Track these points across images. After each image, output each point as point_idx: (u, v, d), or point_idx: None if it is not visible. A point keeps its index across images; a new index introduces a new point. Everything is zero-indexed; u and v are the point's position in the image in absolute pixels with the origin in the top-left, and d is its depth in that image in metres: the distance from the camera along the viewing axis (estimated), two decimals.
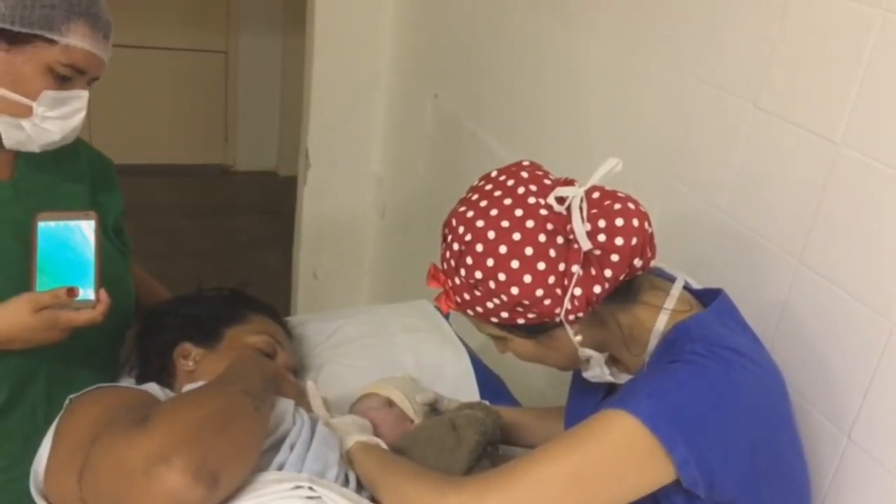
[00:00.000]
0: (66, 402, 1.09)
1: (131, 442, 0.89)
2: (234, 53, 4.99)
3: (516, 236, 0.91)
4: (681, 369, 0.89)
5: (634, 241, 0.92)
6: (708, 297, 1.03)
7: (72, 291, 1.13)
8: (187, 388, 1.14)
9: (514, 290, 0.91)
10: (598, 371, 1.02)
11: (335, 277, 3.01)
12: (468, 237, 0.94)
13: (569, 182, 0.97)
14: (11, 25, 1.09)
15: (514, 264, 0.91)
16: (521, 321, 0.95)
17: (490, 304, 0.95)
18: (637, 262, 0.94)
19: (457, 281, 0.97)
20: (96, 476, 0.91)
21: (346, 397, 1.36)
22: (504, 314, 0.95)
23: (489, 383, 1.55)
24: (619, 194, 0.96)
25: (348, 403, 1.33)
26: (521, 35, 1.86)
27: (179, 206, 4.63)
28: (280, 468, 1.01)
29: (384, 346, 1.54)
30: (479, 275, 0.93)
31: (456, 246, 0.96)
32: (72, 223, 1.17)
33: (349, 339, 1.55)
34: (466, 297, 0.97)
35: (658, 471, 0.87)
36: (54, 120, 1.16)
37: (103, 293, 1.16)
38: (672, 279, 1.03)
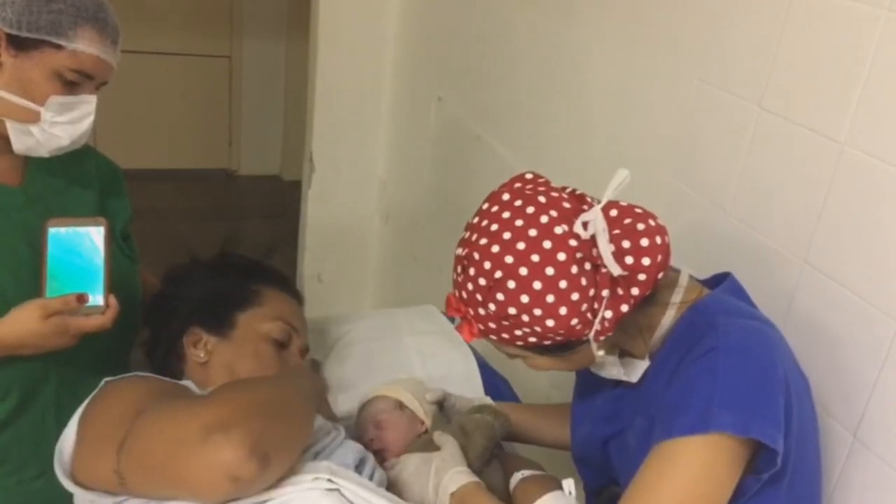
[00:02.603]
0: (102, 383, 1.08)
1: (191, 412, 0.90)
2: (238, 58, 5.00)
3: (549, 271, 0.89)
4: (722, 359, 0.88)
5: (660, 258, 0.92)
6: (715, 283, 1.04)
7: (81, 297, 1.14)
8: (201, 387, 1.13)
9: (550, 323, 0.90)
10: (614, 371, 1.03)
11: (340, 281, 3.02)
12: (498, 274, 0.91)
13: (581, 199, 0.96)
14: (19, 31, 1.09)
15: (550, 298, 0.89)
16: (547, 343, 0.94)
17: (519, 332, 0.93)
18: (661, 276, 0.94)
19: (481, 312, 0.95)
20: (144, 445, 0.91)
21: (355, 399, 1.37)
22: (532, 339, 0.94)
23: (495, 385, 1.55)
24: (637, 210, 0.95)
25: (357, 406, 1.33)
26: (525, 38, 1.86)
27: (184, 211, 4.64)
28: None
29: (392, 348, 1.55)
30: (512, 310, 0.91)
31: (482, 281, 0.93)
32: (81, 229, 1.18)
33: (358, 342, 1.56)
34: (493, 326, 0.95)
35: (742, 463, 0.88)
36: (63, 125, 1.16)
37: (112, 299, 1.17)
38: (675, 269, 1.03)
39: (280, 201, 4.60)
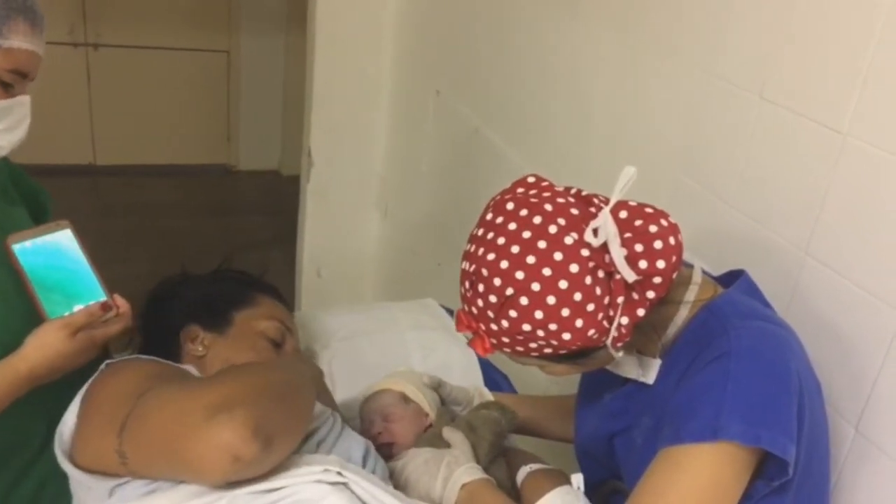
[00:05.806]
0: (102, 366, 1.06)
1: (194, 394, 0.89)
2: (237, 53, 5.01)
3: (563, 284, 0.85)
4: (733, 364, 0.87)
5: (674, 258, 0.89)
6: (729, 280, 1.03)
7: (105, 306, 1.08)
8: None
9: (567, 336, 0.88)
10: (632, 372, 1.01)
11: (339, 276, 3.02)
12: (509, 291, 0.87)
13: (588, 200, 0.92)
14: None
15: (565, 312, 0.86)
16: (563, 352, 0.92)
17: (534, 345, 0.91)
18: (675, 276, 0.91)
19: (494, 328, 0.91)
20: (147, 425, 0.90)
21: (353, 391, 1.37)
22: (548, 351, 0.91)
23: (495, 380, 1.55)
24: (648, 210, 0.91)
25: (357, 400, 1.33)
26: (524, 30, 1.86)
27: (182, 207, 4.64)
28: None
29: (393, 342, 1.55)
30: (526, 326, 0.88)
31: (493, 298, 0.89)
32: (48, 237, 1.10)
33: (358, 335, 1.56)
34: (506, 340, 0.92)
35: (750, 470, 0.87)
36: (2, 133, 1.06)
37: (119, 299, 1.11)
38: (688, 264, 1.01)
39: (279, 196, 4.60)
